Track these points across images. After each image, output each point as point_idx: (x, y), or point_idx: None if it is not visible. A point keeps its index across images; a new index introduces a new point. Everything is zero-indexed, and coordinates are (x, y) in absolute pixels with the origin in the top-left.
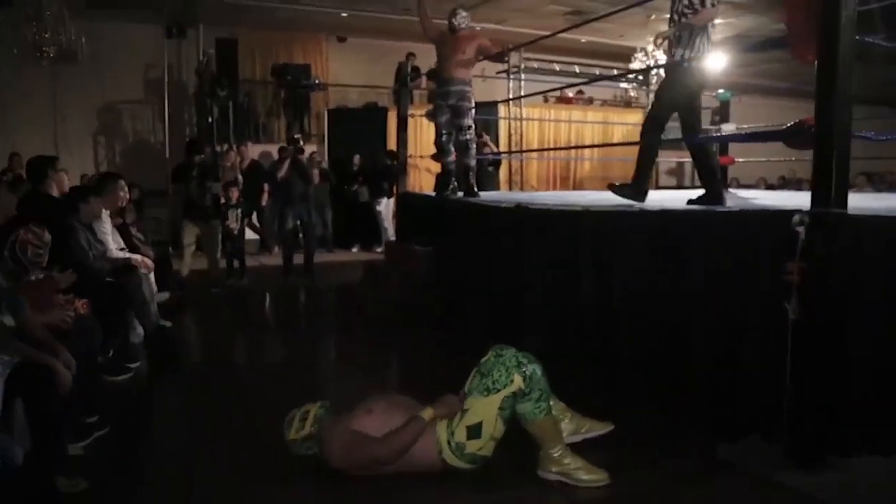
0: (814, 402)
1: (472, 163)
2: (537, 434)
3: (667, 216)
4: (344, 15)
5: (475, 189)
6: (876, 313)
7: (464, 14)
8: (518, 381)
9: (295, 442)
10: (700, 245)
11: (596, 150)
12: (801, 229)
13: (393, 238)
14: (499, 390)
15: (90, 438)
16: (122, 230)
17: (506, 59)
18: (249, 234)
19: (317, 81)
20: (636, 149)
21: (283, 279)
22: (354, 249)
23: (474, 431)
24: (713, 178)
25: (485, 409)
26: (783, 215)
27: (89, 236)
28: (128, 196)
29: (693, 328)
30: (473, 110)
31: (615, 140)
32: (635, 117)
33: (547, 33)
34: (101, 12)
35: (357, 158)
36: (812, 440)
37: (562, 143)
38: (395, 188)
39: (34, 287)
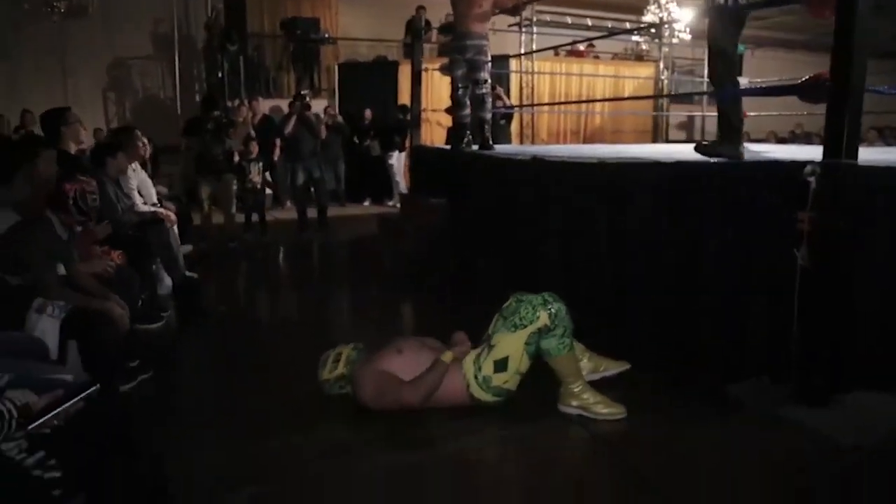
0: (820, 345)
1: (488, 116)
2: (559, 369)
3: (681, 168)
4: None
5: (490, 142)
6: (883, 262)
7: None
8: (544, 317)
9: (328, 381)
10: (713, 195)
11: (607, 104)
12: (812, 179)
13: (405, 192)
14: (525, 326)
15: (136, 381)
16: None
17: (520, 11)
18: None
19: (326, 35)
20: (647, 102)
21: (298, 233)
22: (366, 203)
23: (501, 365)
24: (737, 133)
25: (512, 344)
26: (795, 166)
27: (117, 190)
28: (147, 147)
29: (705, 275)
30: (489, 64)
31: (626, 94)
32: (647, 70)
33: None
34: None
35: (368, 113)
36: (818, 380)
37: (573, 97)
38: (406, 142)
39: (79, 238)
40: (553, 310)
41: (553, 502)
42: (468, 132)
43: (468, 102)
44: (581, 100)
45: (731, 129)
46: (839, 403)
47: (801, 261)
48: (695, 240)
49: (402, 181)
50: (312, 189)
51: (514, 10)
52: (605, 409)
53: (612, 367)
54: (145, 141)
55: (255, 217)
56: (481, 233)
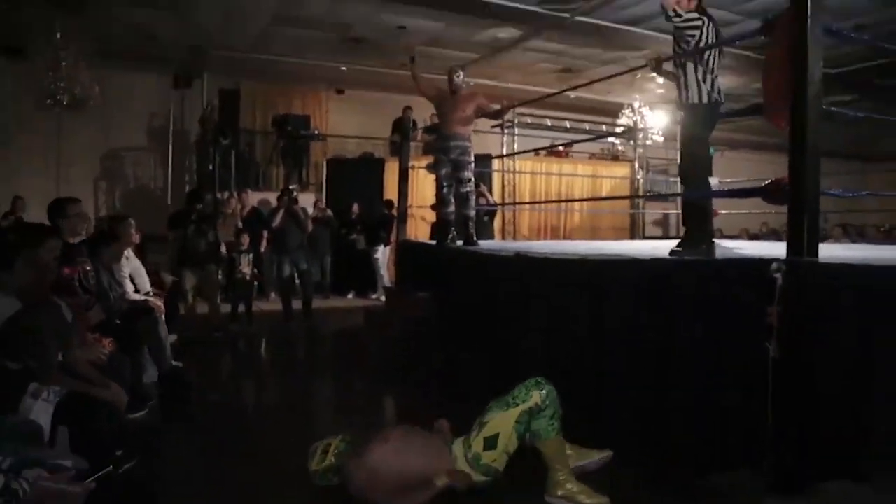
0: (792, 432)
1: (472, 213)
2: (547, 453)
3: (656, 265)
4: (343, 69)
5: (474, 238)
6: (847, 352)
7: (462, 74)
8: (536, 396)
9: (317, 472)
10: (688, 291)
11: (585, 202)
12: (778, 276)
13: (389, 285)
14: (517, 405)
15: (121, 469)
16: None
17: (502, 116)
18: None
19: (316, 132)
20: (624, 201)
21: (283, 324)
22: (350, 296)
23: (490, 443)
24: (707, 232)
25: (502, 423)
26: (763, 263)
27: (110, 279)
28: (137, 235)
29: (680, 369)
30: (472, 164)
31: (604, 192)
32: (623, 170)
33: (540, 89)
34: (113, 62)
35: (356, 207)
36: (793, 469)
37: (553, 194)
38: (391, 237)
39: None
40: (545, 391)
41: None
42: (452, 228)
43: (452, 200)
44: (560, 199)
45: (701, 228)
46: (816, 492)
47: (773, 353)
48: (670, 335)
49: (386, 275)
50: (297, 281)
51: (498, 115)
52: (588, 499)
53: (594, 457)
54: (135, 228)
55: (241, 307)
56: (465, 327)
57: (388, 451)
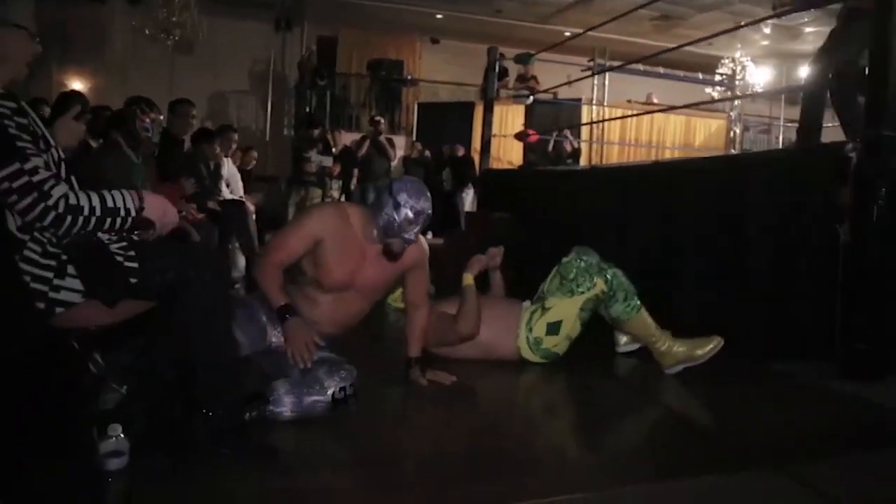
0: (863, 319)
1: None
2: (635, 333)
3: (731, 158)
4: (439, 16)
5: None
6: None
7: None
8: (600, 284)
9: (392, 304)
10: (762, 177)
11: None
12: (853, 155)
13: None
14: (582, 293)
15: None
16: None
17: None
18: None
19: (409, 77)
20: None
21: None
22: (429, 235)
23: (553, 328)
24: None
25: (566, 309)
26: (838, 145)
27: (207, 171)
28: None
29: (754, 256)
30: None
31: (696, 143)
32: (718, 122)
33: (635, 40)
34: (219, 7)
35: (445, 149)
36: (865, 357)
37: (643, 142)
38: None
39: (164, 189)
40: (609, 276)
41: None
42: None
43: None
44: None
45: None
46: (886, 382)
47: (843, 236)
48: (745, 224)
49: None
50: None
51: None
52: (702, 350)
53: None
54: (236, 139)
55: None
56: (541, 243)
57: (451, 305)
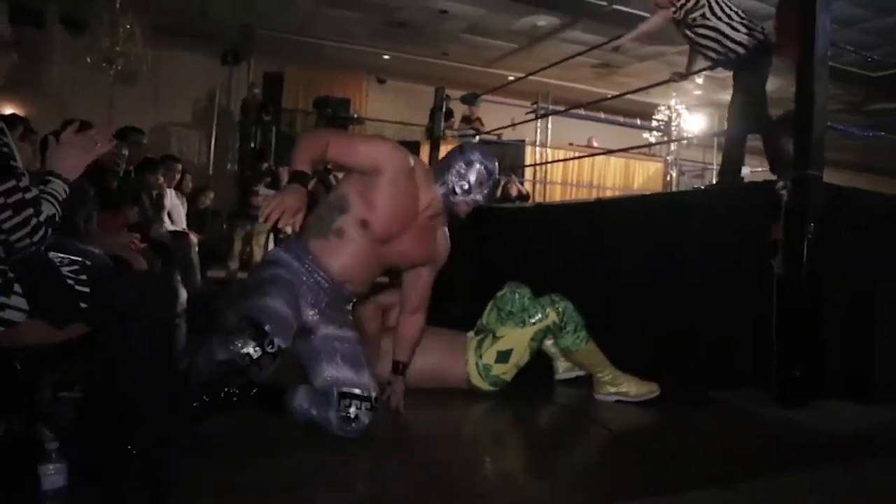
0: (797, 349)
1: None
2: (583, 363)
3: (668, 196)
4: (386, 57)
5: None
6: (851, 274)
7: None
8: (552, 315)
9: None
10: (698, 213)
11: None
12: (784, 192)
13: None
14: (534, 324)
15: None
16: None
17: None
18: None
19: (355, 115)
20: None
21: None
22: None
23: (503, 356)
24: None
25: (517, 339)
26: (771, 183)
27: (149, 200)
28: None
29: (693, 289)
30: None
31: (636, 185)
32: (655, 166)
33: (575, 86)
34: (165, 39)
35: None
36: (797, 385)
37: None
38: None
39: (107, 217)
40: (561, 308)
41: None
42: None
43: None
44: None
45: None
46: (816, 407)
47: (777, 269)
48: (683, 260)
49: None
50: None
51: None
52: (637, 389)
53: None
54: (180, 171)
55: None
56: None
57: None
